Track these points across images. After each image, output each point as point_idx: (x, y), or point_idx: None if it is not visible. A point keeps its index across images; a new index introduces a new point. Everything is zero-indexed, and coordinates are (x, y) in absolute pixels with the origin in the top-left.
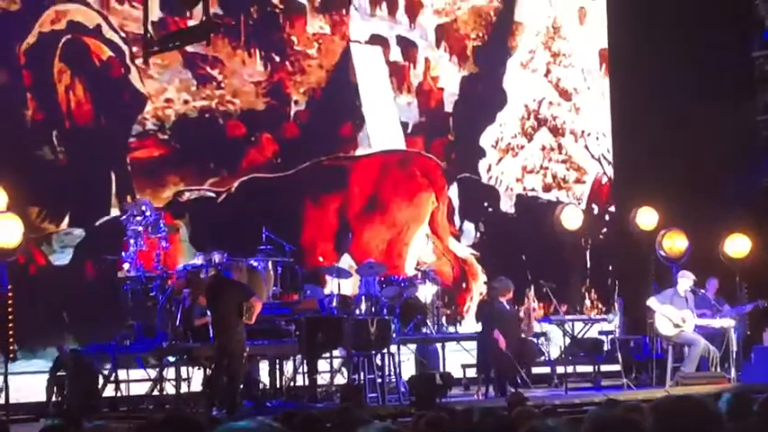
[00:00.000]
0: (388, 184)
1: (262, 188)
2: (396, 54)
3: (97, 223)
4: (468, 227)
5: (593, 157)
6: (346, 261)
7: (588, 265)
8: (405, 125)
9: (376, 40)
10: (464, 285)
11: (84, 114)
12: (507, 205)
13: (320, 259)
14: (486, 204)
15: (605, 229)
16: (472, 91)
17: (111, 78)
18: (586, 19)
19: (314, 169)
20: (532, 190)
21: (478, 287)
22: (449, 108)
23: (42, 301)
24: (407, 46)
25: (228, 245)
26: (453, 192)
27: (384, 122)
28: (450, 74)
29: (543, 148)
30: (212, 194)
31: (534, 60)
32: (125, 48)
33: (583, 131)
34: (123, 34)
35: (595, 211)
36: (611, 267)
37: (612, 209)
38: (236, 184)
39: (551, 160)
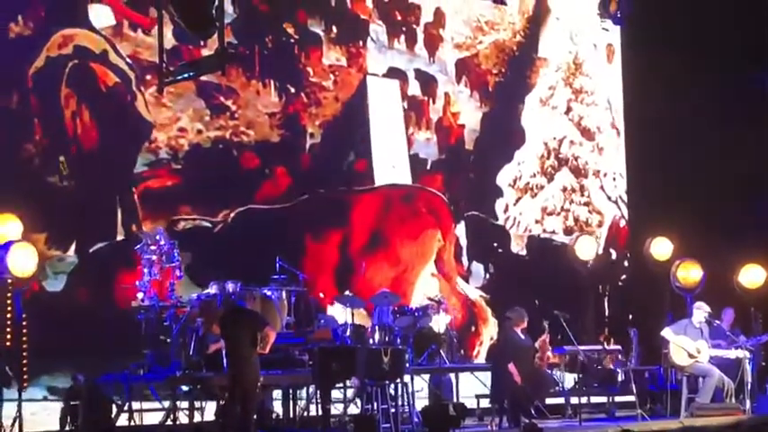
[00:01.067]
0: (392, 220)
1: (259, 219)
2: (414, 88)
3: (91, 250)
4: (477, 267)
5: (609, 199)
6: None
7: (607, 314)
8: (424, 162)
9: (394, 73)
10: (473, 329)
11: (91, 140)
12: (518, 247)
13: (321, 295)
14: (495, 245)
15: (624, 276)
16: (491, 127)
17: (117, 105)
18: (614, 57)
19: (314, 202)
20: (553, 232)
21: (488, 331)
22: (469, 145)
23: (38, 328)
24: (426, 80)
25: (223, 275)
26: (461, 231)
27: (392, 157)
28: (470, 110)
29: (564, 189)
30: (208, 224)
31: (554, 97)
32: (131, 74)
33: (598, 171)
34: (129, 60)
35: (614, 256)
36: (630, 317)
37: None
38: (232, 215)
39: (573, 202)
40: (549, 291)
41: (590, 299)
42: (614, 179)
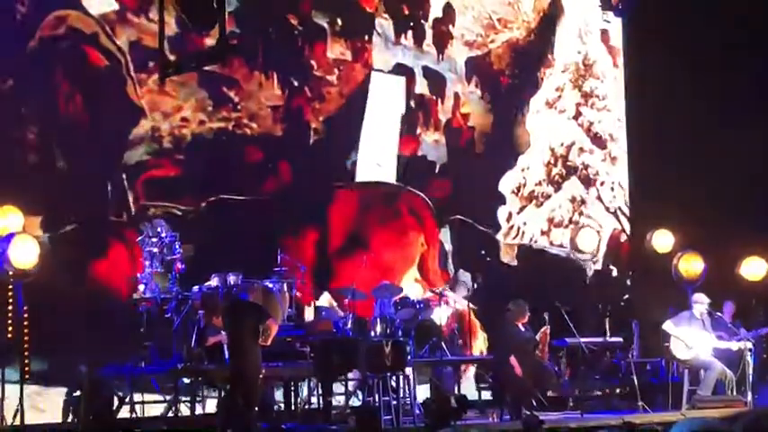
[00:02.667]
0: (372, 221)
1: (233, 210)
2: (422, 87)
3: (61, 231)
4: (465, 277)
5: (607, 210)
6: (326, 299)
7: (608, 335)
8: (432, 165)
9: (400, 70)
10: (460, 342)
11: (83, 123)
12: (509, 257)
13: (297, 294)
14: (483, 252)
15: (627, 296)
16: (501, 131)
17: (108, 88)
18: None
19: (290, 196)
20: (560, 246)
21: (478, 346)
22: (479, 149)
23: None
24: (435, 79)
25: (196, 266)
26: (446, 236)
27: (379, 155)
28: (481, 112)
29: (573, 200)
30: (178, 212)
31: (562, 100)
32: (121, 58)
33: (595, 180)
34: (119, 44)
35: (614, 273)
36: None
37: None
38: (203, 204)
39: (582, 214)
40: (542, 305)
41: (589, 318)
42: (612, 189)
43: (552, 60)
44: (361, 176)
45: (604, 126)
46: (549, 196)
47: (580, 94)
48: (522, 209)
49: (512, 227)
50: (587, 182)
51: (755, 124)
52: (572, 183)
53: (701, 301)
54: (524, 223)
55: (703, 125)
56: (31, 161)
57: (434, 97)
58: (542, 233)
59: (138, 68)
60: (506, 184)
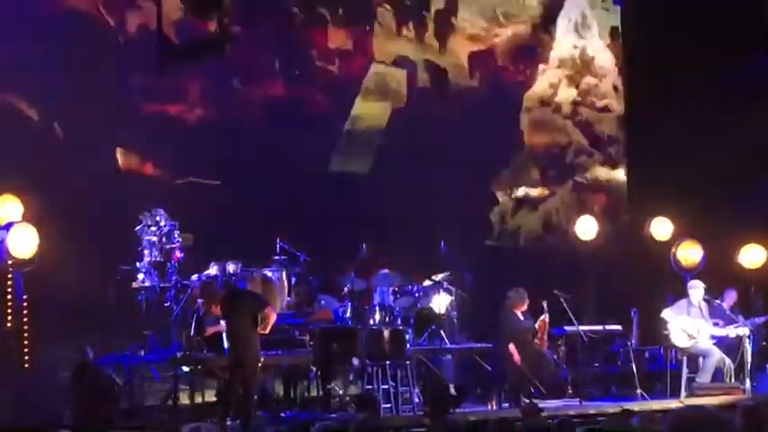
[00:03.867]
0: None
1: (201, 195)
2: (423, 80)
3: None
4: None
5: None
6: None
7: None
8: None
9: (402, 62)
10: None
11: (82, 102)
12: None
13: None
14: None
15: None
16: (502, 128)
17: (106, 70)
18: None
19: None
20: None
21: None
22: (482, 148)
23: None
24: (437, 72)
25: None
26: None
27: (358, 149)
28: (484, 108)
29: (570, 204)
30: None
31: (557, 98)
32: (119, 37)
33: (580, 182)
34: (113, 23)
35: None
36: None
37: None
38: (176, 182)
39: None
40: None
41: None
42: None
43: (549, 55)
44: (335, 167)
45: (604, 127)
46: (544, 199)
47: (576, 92)
48: (516, 211)
49: (506, 229)
50: (584, 185)
51: (755, 113)
52: (569, 186)
53: (697, 287)
54: (519, 227)
55: (703, 112)
56: (33, 138)
57: (436, 92)
58: (537, 238)
59: (145, 52)
60: (500, 184)
